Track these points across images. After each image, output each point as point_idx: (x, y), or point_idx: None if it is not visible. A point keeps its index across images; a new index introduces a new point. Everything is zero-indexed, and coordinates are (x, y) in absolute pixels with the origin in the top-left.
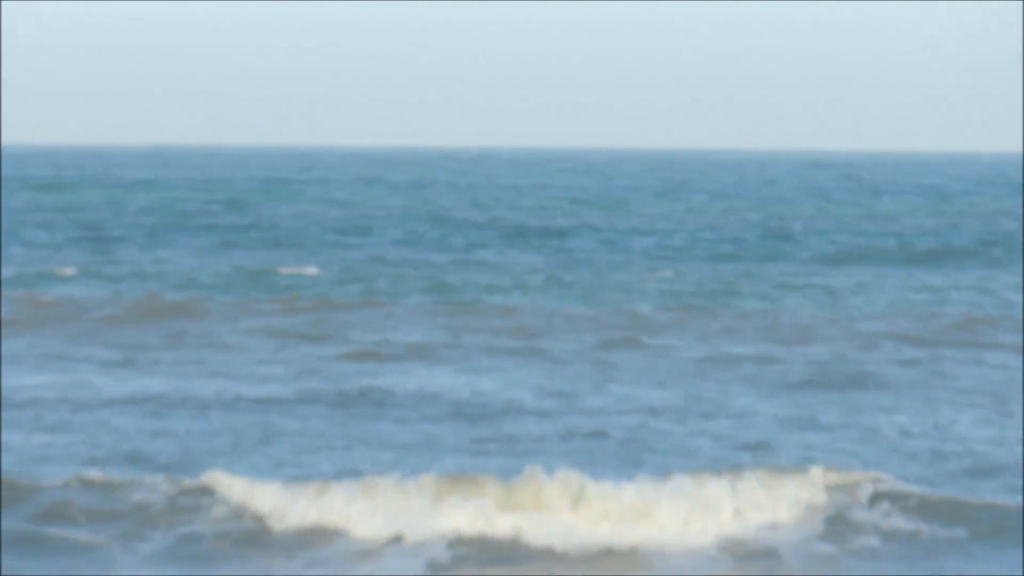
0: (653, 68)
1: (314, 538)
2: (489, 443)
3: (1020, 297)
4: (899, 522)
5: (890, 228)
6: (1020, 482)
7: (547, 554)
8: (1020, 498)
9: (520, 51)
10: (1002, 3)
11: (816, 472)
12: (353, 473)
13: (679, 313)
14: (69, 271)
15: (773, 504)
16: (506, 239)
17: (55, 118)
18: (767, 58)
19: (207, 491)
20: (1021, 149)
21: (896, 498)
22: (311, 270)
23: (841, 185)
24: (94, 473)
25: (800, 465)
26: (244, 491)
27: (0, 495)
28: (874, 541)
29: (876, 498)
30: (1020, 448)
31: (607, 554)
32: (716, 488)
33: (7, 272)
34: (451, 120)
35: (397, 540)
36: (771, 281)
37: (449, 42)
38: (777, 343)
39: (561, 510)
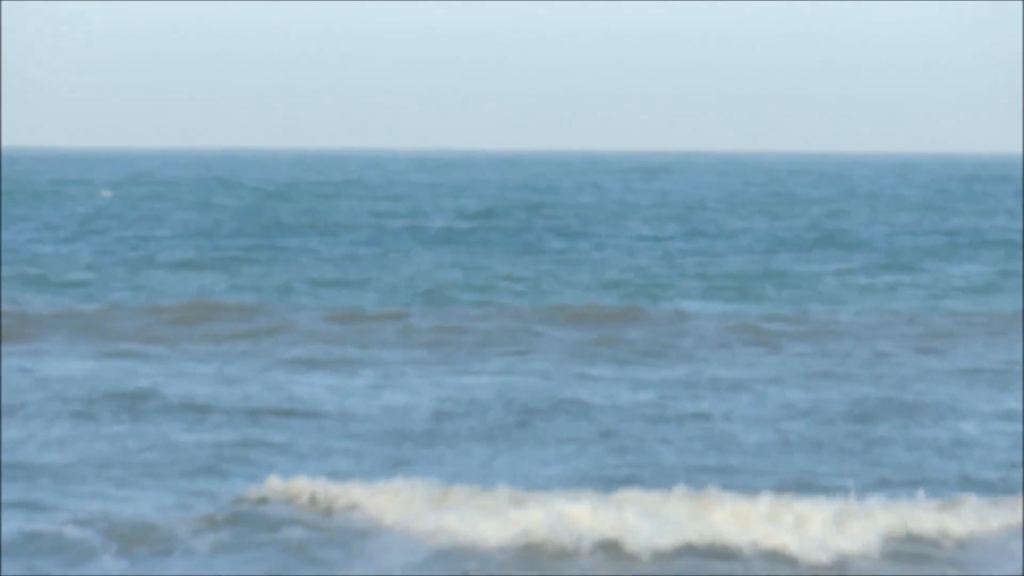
0: (661, 76)
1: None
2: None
3: None
4: None
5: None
6: None
7: None
8: None
9: (564, 57)
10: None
11: None
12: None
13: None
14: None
15: None
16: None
17: (111, 122)
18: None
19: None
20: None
21: None
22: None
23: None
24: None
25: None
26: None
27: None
28: None
29: None
30: None
31: None
32: None
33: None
34: (498, 123)
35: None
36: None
37: (493, 51)
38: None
39: None
